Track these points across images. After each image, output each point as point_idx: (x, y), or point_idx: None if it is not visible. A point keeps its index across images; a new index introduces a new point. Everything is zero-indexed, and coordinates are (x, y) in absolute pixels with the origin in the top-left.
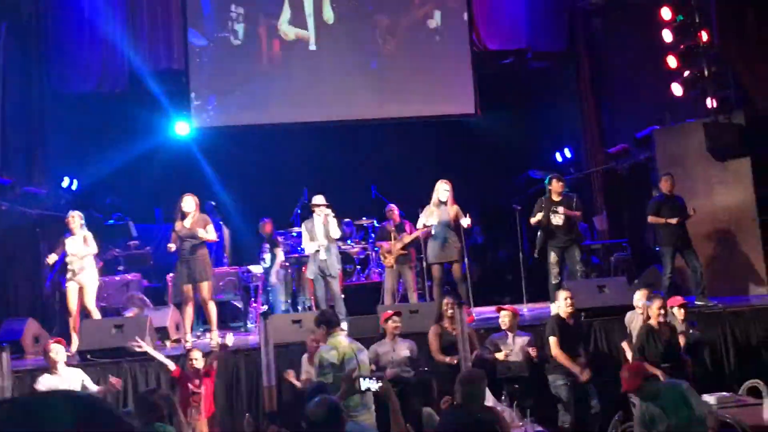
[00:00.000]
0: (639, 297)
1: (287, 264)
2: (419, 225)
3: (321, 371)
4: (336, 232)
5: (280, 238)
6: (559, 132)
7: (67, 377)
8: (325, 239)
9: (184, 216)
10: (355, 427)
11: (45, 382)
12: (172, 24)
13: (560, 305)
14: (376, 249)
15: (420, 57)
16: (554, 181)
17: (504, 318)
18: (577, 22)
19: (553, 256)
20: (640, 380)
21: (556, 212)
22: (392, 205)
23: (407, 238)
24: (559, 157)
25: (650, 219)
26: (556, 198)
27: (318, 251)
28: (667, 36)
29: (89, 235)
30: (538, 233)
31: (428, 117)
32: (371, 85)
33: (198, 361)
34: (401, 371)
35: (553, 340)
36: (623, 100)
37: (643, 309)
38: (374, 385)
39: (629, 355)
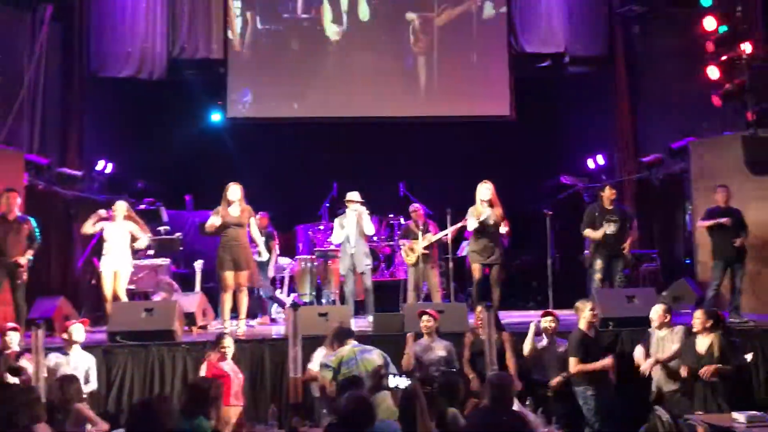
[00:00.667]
0: (656, 311)
1: (313, 257)
2: (469, 226)
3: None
4: (370, 229)
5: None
6: (592, 138)
7: (74, 359)
8: (357, 235)
9: (229, 204)
10: (381, 425)
11: (52, 359)
12: (212, 14)
13: (585, 315)
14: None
15: (456, 57)
16: (608, 188)
17: (548, 323)
18: (616, 28)
19: (599, 263)
20: None
21: (610, 221)
22: (417, 204)
23: (432, 238)
24: (591, 164)
25: (700, 224)
26: (608, 206)
27: (347, 247)
28: (709, 46)
29: (136, 228)
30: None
31: (462, 117)
32: (405, 83)
33: (230, 348)
34: (434, 371)
35: (572, 361)
36: (659, 109)
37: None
38: (402, 383)
39: (643, 366)
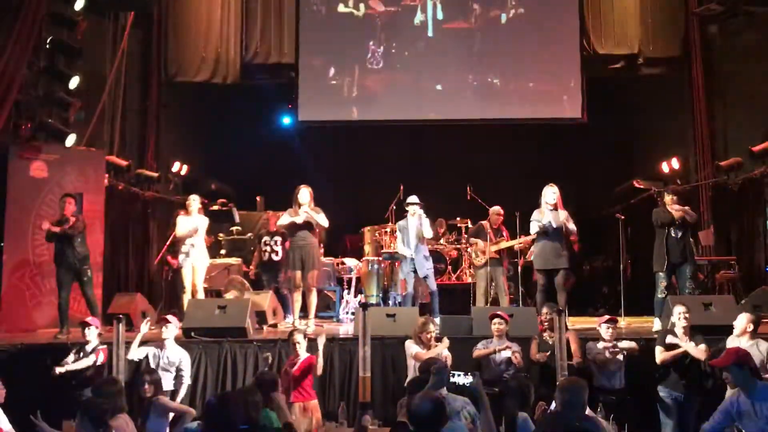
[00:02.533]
0: (742, 318)
1: (380, 258)
2: (532, 230)
3: None
4: (429, 232)
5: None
6: (666, 141)
7: (169, 353)
8: (416, 239)
9: (299, 206)
10: (452, 425)
11: (149, 353)
12: (284, 20)
13: (674, 320)
14: (468, 251)
15: (527, 58)
16: (666, 194)
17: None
18: (692, 29)
19: (664, 270)
20: (732, 359)
21: (677, 225)
22: (499, 208)
23: (504, 244)
24: (665, 168)
25: None
26: (671, 210)
27: (407, 251)
28: None
29: (202, 224)
30: (656, 244)
31: (533, 120)
32: (475, 85)
33: (301, 345)
34: (502, 372)
35: (658, 350)
36: (738, 110)
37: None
38: (466, 380)
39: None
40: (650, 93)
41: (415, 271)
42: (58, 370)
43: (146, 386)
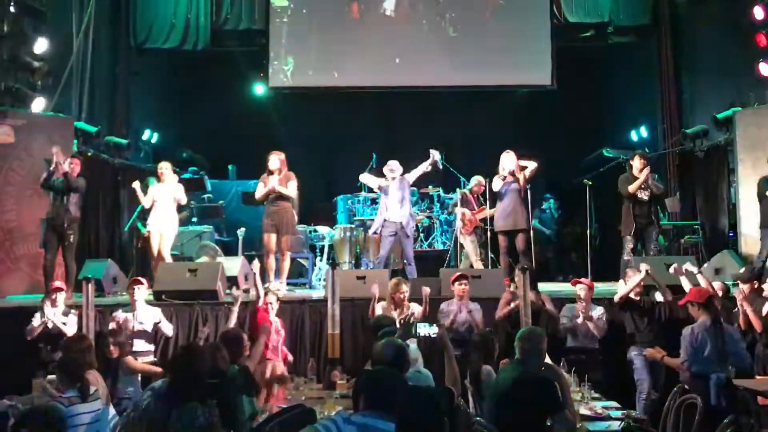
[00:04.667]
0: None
1: (352, 226)
2: (493, 186)
3: None
4: (413, 176)
5: None
6: (635, 110)
7: (142, 315)
8: (399, 203)
9: (270, 173)
10: (414, 374)
11: (121, 316)
12: None
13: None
14: (440, 218)
15: (498, 26)
16: (637, 158)
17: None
18: None
19: (631, 233)
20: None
21: (642, 189)
22: (481, 178)
23: (487, 211)
24: (634, 136)
25: None
26: (637, 175)
27: (389, 212)
28: (759, 13)
29: (180, 188)
30: (623, 209)
31: (503, 86)
32: (447, 52)
33: (273, 304)
34: (464, 331)
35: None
36: (705, 78)
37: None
38: (431, 331)
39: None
40: (620, 61)
41: (394, 235)
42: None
43: (111, 348)
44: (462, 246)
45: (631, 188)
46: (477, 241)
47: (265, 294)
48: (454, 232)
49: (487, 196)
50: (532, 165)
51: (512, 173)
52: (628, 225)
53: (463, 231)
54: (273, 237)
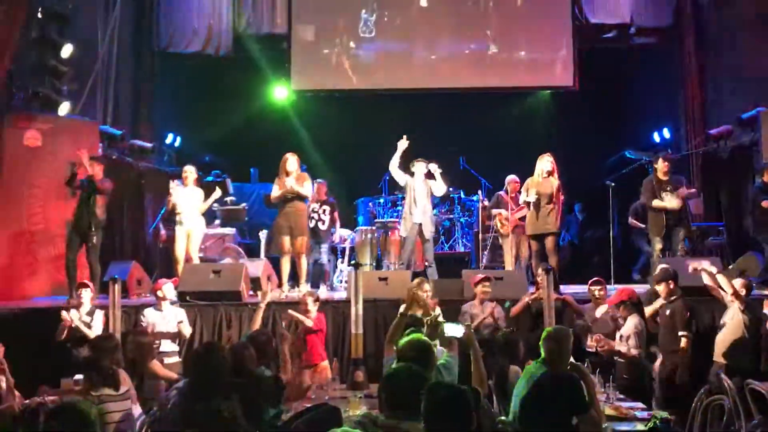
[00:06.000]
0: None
1: (373, 228)
2: (521, 200)
3: None
4: (441, 188)
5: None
6: (658, 111)
7: (167, 315)
8: (424, 200)
9: (287, 174)
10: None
11: (149, 315)
12: None
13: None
14: (461, 220)
15: (520, 28)
16: (660, 160)
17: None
18: None
19: (658, 237)
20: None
21: (667, 192)
22: (515, 176)
23: (525, 211)
24: (657, 138)
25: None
26: (662, 177)
27: (413, 213)
28: None
29: (198, 194)
30: (649, 213)
31: (525, 88)
32: (467, 54)
33: (310, 305)
34: (486, 332)
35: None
36: (729, 79)
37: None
38: (458, 331)
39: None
40: (643, 62)
41: (419, 234)
42: (64, 314)
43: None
44: (486, 247)
45: (655, 203)
46: (515, 242)
47: (303, 296)
48: (477, 234)
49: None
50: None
51: (549, 175)
52: (657, 225)
53: (502, 232)
54: (287, 238)
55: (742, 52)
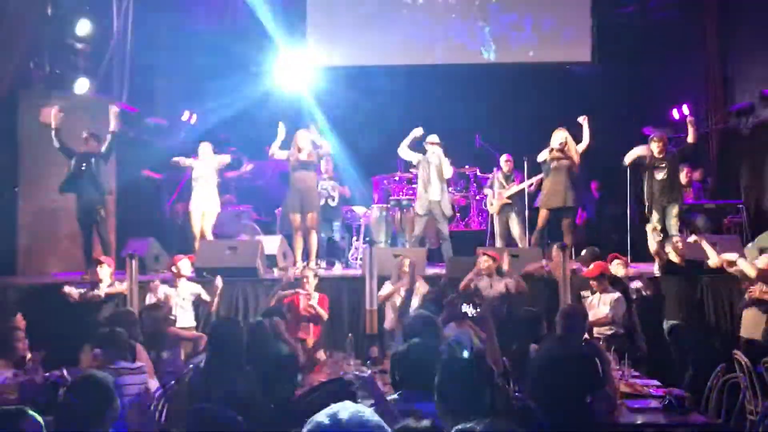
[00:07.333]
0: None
1: (388, 206)
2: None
3: None
4: (448, 171)
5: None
6: (678, 87)
7: (182, 289)
8: (438, 179)
9: (299, 150)
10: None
11: (162, 291)
12: None
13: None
14: (477, 198)
15: (538, 2)
16: (654, 140)
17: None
18: None
19: (654, 214)
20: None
21: (658, 168)
22: (508, 155)
23: (515, 188)
24: (676, 114)
25: None
26: (657, 155)
27: (428, 191)
28: None
29: (220, 157)
30: (645, 189)
31: (542, 63)
32: (487, 29)
33: (309, 280)
34: (496, 306)
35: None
36: (752, 54)
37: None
38: (472, 310)
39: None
40: (662, 37)
41: (428, 214)
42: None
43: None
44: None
45: (626, 160)
46: (516, 220)
47: (302, 269)
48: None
49: (526, 172)
50: (585, 140)
51: (561, 149)
52: (650, 207)
53: (490, 211)
54: (298, 215)
55: (764, 26)
